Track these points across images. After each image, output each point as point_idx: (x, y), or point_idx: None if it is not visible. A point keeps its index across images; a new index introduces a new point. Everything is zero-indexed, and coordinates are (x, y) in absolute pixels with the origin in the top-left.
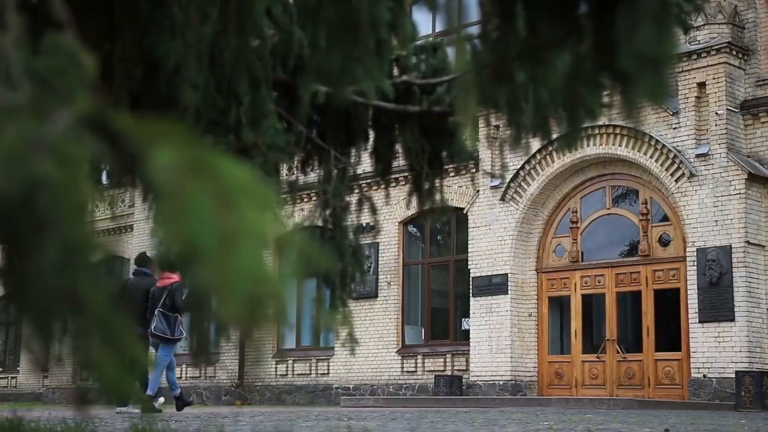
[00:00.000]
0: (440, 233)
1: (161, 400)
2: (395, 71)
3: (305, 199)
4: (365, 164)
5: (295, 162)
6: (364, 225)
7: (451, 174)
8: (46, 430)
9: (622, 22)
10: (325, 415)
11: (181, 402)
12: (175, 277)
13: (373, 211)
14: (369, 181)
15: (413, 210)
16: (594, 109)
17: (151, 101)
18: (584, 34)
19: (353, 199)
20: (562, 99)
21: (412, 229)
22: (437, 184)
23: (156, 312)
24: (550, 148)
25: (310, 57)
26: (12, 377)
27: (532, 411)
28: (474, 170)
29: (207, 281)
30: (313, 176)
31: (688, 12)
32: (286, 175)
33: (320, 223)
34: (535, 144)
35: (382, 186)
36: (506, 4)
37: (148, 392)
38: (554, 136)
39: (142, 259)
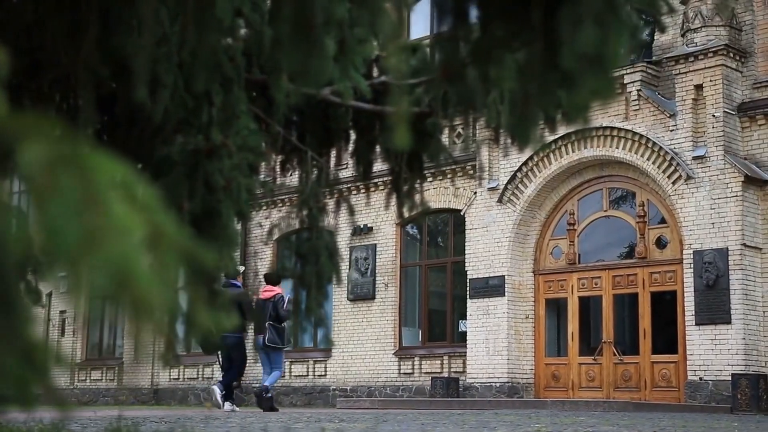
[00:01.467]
0: (438, 235)
1: (228, 406)
2: (375, 71)
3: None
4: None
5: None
6: (362, 226)
7: (449, 176)
8: (23, 429)
9: (565, 20)
10: (317, 417)
11: (259, 404)
12: (277, 290)
13: (351, 212)
14: (367, 182)
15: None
16: (547, 110)
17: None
18: (536, 34)
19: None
20: (514, 99)
21: (413, 230)
22: (417, 186)
23: (267, 325)
24: (547, 150)
25: (272, 56)
26: None
27: (527, 413)
28: (471, 172)
29: (68, 279)
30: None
31: (645, 12)
32: (267, 176)
33: (297, 224)
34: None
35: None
36: (459, 2)
37: (266, 384)
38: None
39: (232, 272)
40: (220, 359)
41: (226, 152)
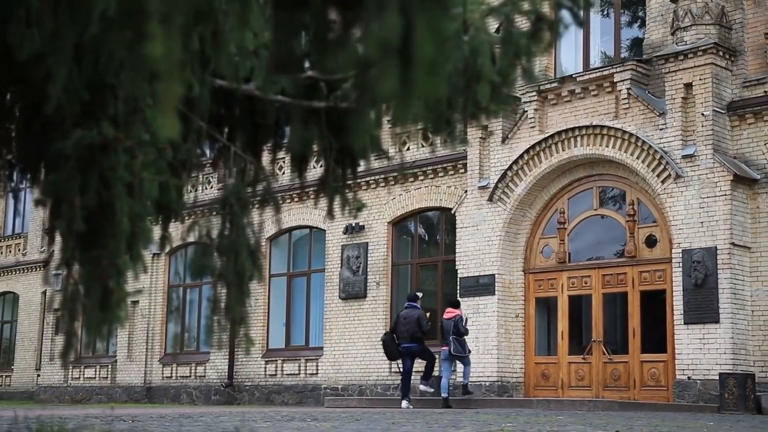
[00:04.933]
0: (429, 233)
1: (405, 404)
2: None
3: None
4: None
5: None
6: (353, 225)
7: (440, 174)
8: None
9: (371, 8)
10: (291, 415)
11: (445, 405)
12: (457, 311)
13: (277, 210)
14: (359, 181)
15: (403, 210)
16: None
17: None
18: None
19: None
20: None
21: (411, 226)
22: (348, 182)
23: (451, 338)
24: (538, 149)
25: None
26: (6, 376)
27: (508, 412)
28: (462, 171)
29: None
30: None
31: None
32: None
33: (218, 221)
34: (523, 144)
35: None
36: None
37: (465, 381)
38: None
39: (412, 296)
40: (400, 365)
41: (122, 147)
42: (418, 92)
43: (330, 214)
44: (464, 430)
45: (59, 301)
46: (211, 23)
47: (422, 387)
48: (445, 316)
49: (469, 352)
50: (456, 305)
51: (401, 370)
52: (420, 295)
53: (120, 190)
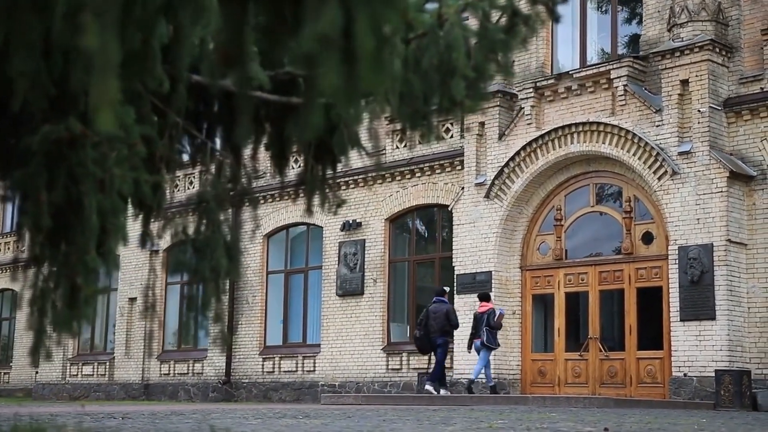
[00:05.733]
0: (426, 230)
1: (443, 391)
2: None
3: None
4: (353, 161)
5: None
6: (350, 222)
7: (437, 171)
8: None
9: (310, 2)
10: (283, 413)
11: (494, 392)
12: (489, 305)
13: (254, 206)
14: (356, 178)
15: (400, 206)
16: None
17: None
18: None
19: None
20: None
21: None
22: (327, 177)
23: (484, 329)
24: (534, 145)
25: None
26: (5, 373)
27: (501, 410)
28: (459, 168)
29: None
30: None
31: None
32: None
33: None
34: (520, 141)
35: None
36: None
37: (472, 377)
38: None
39: (440, 291)
40: (432, 358)
41: (90, 143)
42: (363, 87)
43: (309, 210)
44: (454, 427)
45: (28, 299)
46: (170, 18)
47: (428, 386)
48: (479, 310)
49: (498, 345)
50: (487, 299)
51: (431, 362)
52: (447, 289)
53: (89, 186)
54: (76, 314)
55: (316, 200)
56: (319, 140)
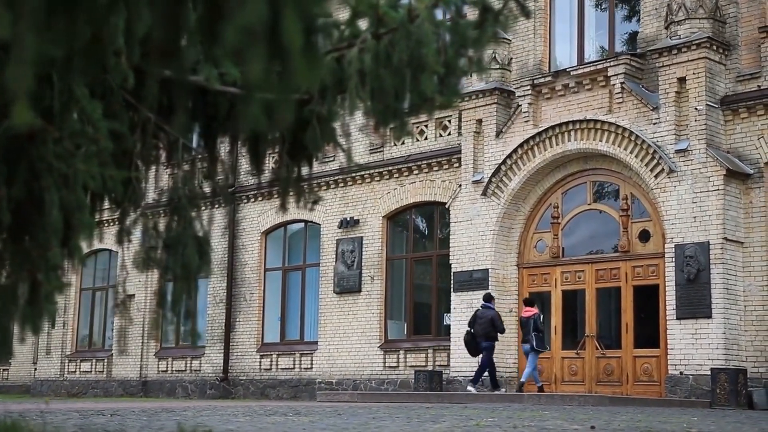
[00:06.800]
0: (424, 228)
1: (503, 390)
2: None
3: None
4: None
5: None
6: (348, 219)
7: (435, 168)
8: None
9: None
10: (274, 410)
11: (541, 390)
12: (534, 310)
13: (229, 203)
14: (353, 175)
15: (398, 204)
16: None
17: None
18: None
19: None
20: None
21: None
22: (301, 174)
23: (532, 334)
24: (532, 143)
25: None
26: (4, 369)
27: (493, 407)
28: (457, 165)
29: None
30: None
31: None
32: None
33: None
34: (517, 138)
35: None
36: None
37: (522, 380)
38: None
39: (487, 297)
40: (479, 360)
41: (52, 138)
42: (296, 82)
43: (283, 207)
44: (441, 425)
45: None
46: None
47: (470, 387)
48: (523, 314)
49: (547, 348)
50: (532, 303)
51: (480, 364)
52: (494, 296)
53: (50, 181)
54: (38, 311)
55: (291, 198)
56: (293, 137)
